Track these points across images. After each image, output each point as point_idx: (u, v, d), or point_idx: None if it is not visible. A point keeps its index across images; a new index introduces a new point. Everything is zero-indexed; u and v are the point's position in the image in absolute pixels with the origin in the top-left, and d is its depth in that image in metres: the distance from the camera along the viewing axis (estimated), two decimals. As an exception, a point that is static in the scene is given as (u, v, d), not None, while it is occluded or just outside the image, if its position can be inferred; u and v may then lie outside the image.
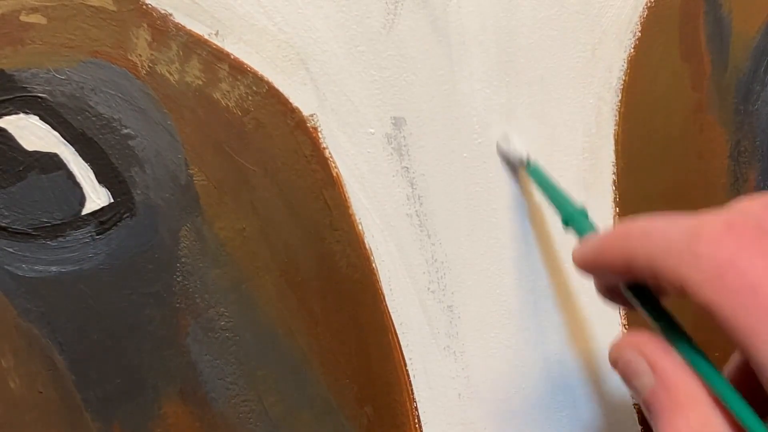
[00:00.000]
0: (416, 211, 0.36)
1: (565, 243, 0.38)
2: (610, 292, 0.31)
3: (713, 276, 0.24)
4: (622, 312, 0.39)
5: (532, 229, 0.38)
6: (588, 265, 0.30)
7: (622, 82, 0.38)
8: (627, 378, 0.28)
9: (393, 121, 0.35)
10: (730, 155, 0.41)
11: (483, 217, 0.37)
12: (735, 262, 0.24)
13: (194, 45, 0.32)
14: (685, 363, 0.27)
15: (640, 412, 0.40)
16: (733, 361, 0.30)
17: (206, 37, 0.32)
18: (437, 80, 0.35)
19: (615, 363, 0.29)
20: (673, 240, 0.25)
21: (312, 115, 0.34)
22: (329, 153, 0.34)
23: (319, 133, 0.34)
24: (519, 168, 0.37)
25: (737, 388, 0.26)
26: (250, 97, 0.33)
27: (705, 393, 0.26)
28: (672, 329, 0.28)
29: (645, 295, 0.29)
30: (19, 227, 0.31)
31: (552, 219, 0.38)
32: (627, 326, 0.40)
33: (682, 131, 0.40)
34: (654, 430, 0.26)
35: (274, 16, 0.33)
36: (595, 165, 0.39)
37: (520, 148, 0.36)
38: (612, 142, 0.39)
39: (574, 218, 0.33)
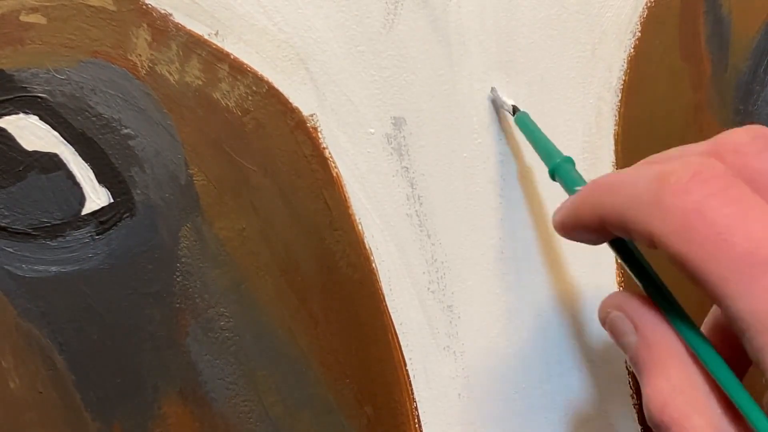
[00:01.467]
0: (416, 211, 0.36)
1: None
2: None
3: (680, 227, 0.23)
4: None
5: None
6: (566, 228, 0.29)
7: (622, 82, 0.38)
8: (614, 336, 0.28)
9: (393, 121, 0.35)
10: (730, 155, 0.41)
11: (483, 217, 0.37)
12: (702, 211, 0.23)
13: (194, 45, 0.32)
14: (667, 320, 0.27)
15: (639, 412, 0.40)
16: (713, 314, 0.30)
17: (206, 37, 0.32)
18: (437, 80, 0.35)
19: (603, 322, 0.29)
20: (640, 191, 0.25)
21: (312, 115, 0.34)
22: (329, 153, 0.34)
23: (319, 133, 0.34)
24: (505, 121, 0.36)
25: (718, 343, 0.26)
26: (250, 97, 0.33)
27: (686, 350, 0.26)
28: (653, 286, 0.28)
29: (627, 251, 0.29)
30: (19, 227, 0.31)
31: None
32: (627, 326, 0.40)
33: (682, 131, 0.40)
34: (641, 388, 0.26)
35: (274, 16, 0.33)
36: (595, 165, 0.39)
37: (508, 98, 0.36)
38: (612, 142, 0.39)
39: (559, 168, 0.32)
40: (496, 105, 0.36)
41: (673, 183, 0.24)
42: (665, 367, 0.26)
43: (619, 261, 0.39)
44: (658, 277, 0.28)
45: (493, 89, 0.36)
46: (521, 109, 0.35)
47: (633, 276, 0.29)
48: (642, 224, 0.25)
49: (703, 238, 0.23)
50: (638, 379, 0.27)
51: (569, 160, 0.33)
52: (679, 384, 0.25)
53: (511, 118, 0.36)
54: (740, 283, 0.22)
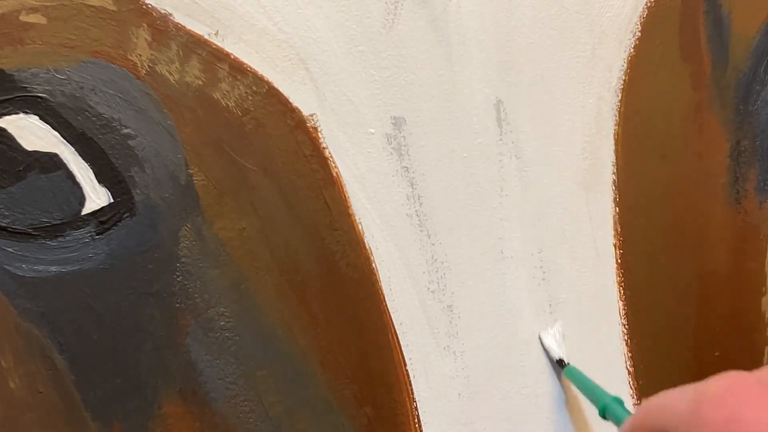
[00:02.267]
0: (416, 211, 0.36)
1: (564, 234, 0.38)
2: None
3: None
4: (622, 311, 0.39)
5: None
6: None
7: (622, 82, 0.38)
8: None
9: (393, 121, 0.35)
10: (730, 155, 0.41)
11: (483, 217, 0.37)
12: (738, 421, 0.24)
13: (194, 45, 0.32)
14: None
15: (640, 412, 0.40)
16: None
17: (206, 37, 0.32)
18: (437, 80, 0.35)
19: None
20: (681, 409, 0.27)
21: (312, 115, 0.34)
22: (329, 153, 0.34)
23: (319, 133, 0.34)
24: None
25: None
26: (249, 97, 0.33)
27: None
28: None
29: None
30: (19, 227, 0.31)
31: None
32: (627, 325, 0.40)
33: (682, 131, 0.40)
34: None
35: (274, 16, 0.33)
36: (595, 165, 0.39)
37: (558, 350, 0.38)
38: (612, 141, 0.39)
39: (609, 408, 0.35)
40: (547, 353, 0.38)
41: (708, 396, 0.26)
42: None
43: (620, 259, 0.39)
44: None
45: (547, 334, 0.38)
46: (567, 362, 0.38)
47: None
48: None
49: None
50: None
51: (618, 400, 0.35)
52: None
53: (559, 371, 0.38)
54: None
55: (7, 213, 0.31)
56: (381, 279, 0.35)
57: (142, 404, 0.33)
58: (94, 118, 0.31)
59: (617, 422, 0.34)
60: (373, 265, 0.35)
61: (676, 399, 0.28)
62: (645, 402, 0.30)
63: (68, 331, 0.32)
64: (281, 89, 0.33)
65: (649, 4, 0.38)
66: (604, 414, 0.35)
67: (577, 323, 0.39)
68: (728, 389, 0.25)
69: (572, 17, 0.37)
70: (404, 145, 0.35)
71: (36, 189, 0.31)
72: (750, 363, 0.42)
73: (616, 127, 0.39)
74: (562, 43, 0.37)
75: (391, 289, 0.36)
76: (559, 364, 0.38)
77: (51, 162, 0.31)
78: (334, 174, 0.34)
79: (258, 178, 0.33)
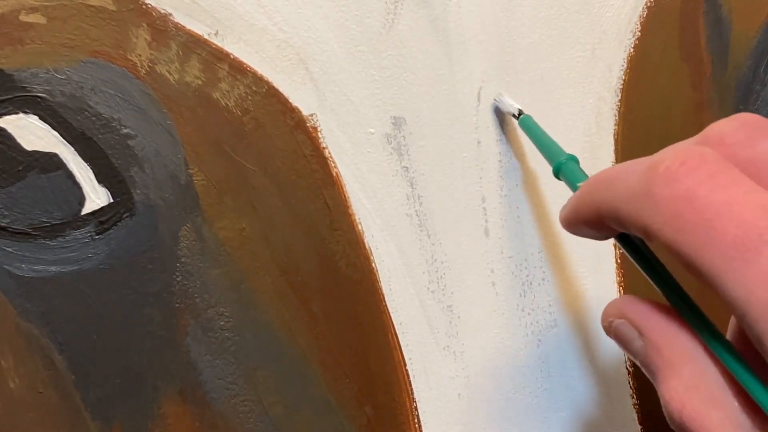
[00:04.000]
0: (416, 211, 0.36)
1: (564, 234, 0.38)
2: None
3: (671, 216, 0.23)
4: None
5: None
6: (570, 225, 0.29)
7: (622, 82, 0.38)
8: (621, 344, 0.28)
9: (393, 121, 0.35)
10: (730, 155, 0.41)
11: (483, 217, 0.37)
12: (691, 199, 0.23)
13: (194, 45, 0.32)
14: (675, 318, 0.26)
15: (639, 412, 0.40)
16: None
17: (206, 36, 0.32)
18: (437, 80, 0.35)
19: (608, 331, 0.28)
20: (632, 184, 0.25)
21: (312, 115, 0.34)
22: (329, 153, 0.34)
23: (319, 133, 0.34)
24: (510, 126, 0.36)
25: (740, 341, 0.25)
26: (249, 97, 0.33)
27: (698, 346, 0.25)
28: (661, 280, 0.27)
29: (633, 245, 0.28)
30: (18, 227, 0.31)
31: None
32: (627, 326, 0.40)
33: (682, 131, 0.40)
34: (658, 393, 0.26)
35: (274, 15, 0.33)
36: (595, 165, 0.39)
37: (513, 103, 0.36)
38: (612, 142, 0.39)
39: (563, 167, 0.33)
40: (500, 111, 0.36)
41: (662, 172, 0.24)
42: (676, 366, 0.25)
43: (620, 259, 0.39)
44: (666, 270, 0.28)
45: (499, 95, 0.36)
46: (525, 113, 0.36)
47: (641, 271, 0.28)
48: (634, 216, 0.24)
49: (694, 225, 0.23)
50: (654, 384, 0.26)
51: (573, 158, 0.33)
52: (692, 381, 0.25)
53: (515, 122, 0.36)
54: (733, 271, 0.22)
55: (7, 213, 0.31)
56: (381, 279, 0.35)
57: (142, 404, 0.33)
58: (93, 118, 0.31)
59: (571, 185, 0.32)
60: (373, 265, 0.35)
61: (627, 172, 0.25)
62: (595, 174, 0.28)
63: (68, 331, 0.32)
64: (281, 89, 0.33)
65: (649, 4, 0.38)
66: (557, 174, 0.33)
67: (577, 323, 0.39)
68: (684, 164, 0.23)
69: (572, 17, 0.37)
70: (404, 145, 0.35)
71: (36, 189, 0.31)
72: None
73: (616, 126, 0.39)
74: (562, 43, 0.37)
75: (391, 289, 0.36)
76: (516, 117, 0.36)
77: (51, 162, 0.31)
78: (334, 174, 0.34)
79: (258, 178, 0.33)
